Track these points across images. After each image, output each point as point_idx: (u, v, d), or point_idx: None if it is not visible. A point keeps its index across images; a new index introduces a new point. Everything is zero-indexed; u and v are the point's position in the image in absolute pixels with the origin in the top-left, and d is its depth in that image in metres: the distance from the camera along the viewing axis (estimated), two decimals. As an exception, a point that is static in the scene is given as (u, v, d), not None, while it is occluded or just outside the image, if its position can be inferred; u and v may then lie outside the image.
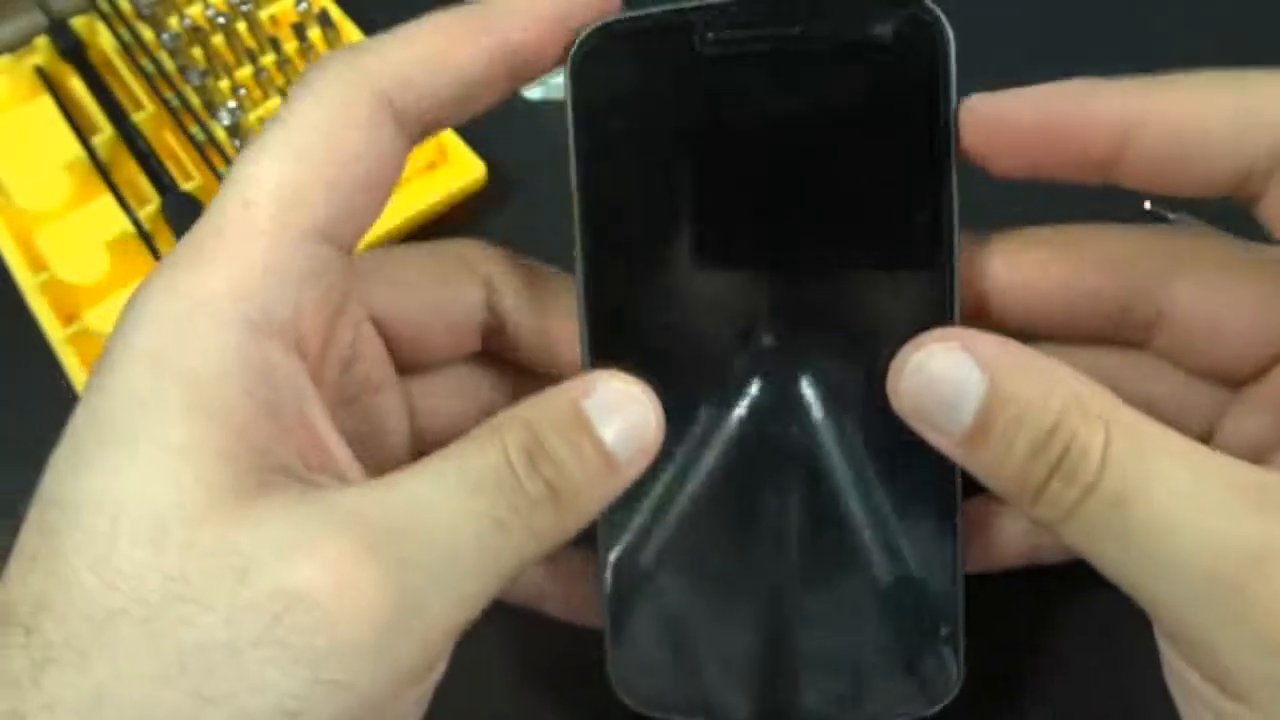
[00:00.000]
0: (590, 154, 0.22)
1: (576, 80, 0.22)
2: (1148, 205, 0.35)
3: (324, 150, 0.20)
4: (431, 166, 0.39)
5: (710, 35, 0.21)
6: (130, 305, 0.19)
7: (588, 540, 0.23)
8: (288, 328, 0.20)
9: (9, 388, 0.35)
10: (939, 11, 0.21)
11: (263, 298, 0.19)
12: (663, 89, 0.22)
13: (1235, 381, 0.23)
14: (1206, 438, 0.23)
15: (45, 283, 0.35)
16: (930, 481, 0.23)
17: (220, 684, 0.17)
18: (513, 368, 0.26)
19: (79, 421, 0.19)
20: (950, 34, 0.21)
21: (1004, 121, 0.21)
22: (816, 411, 0.23)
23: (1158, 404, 0.19)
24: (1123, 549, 0.19)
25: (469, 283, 0.25)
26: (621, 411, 0.21)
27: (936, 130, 0.21)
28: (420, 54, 0.21)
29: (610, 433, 0.20)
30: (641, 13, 0.22)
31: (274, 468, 0.19)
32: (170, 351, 0.19)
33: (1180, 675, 0.20)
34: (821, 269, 0.23)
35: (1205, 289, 0.22)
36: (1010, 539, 0.25)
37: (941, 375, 0.20)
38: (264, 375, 0.19)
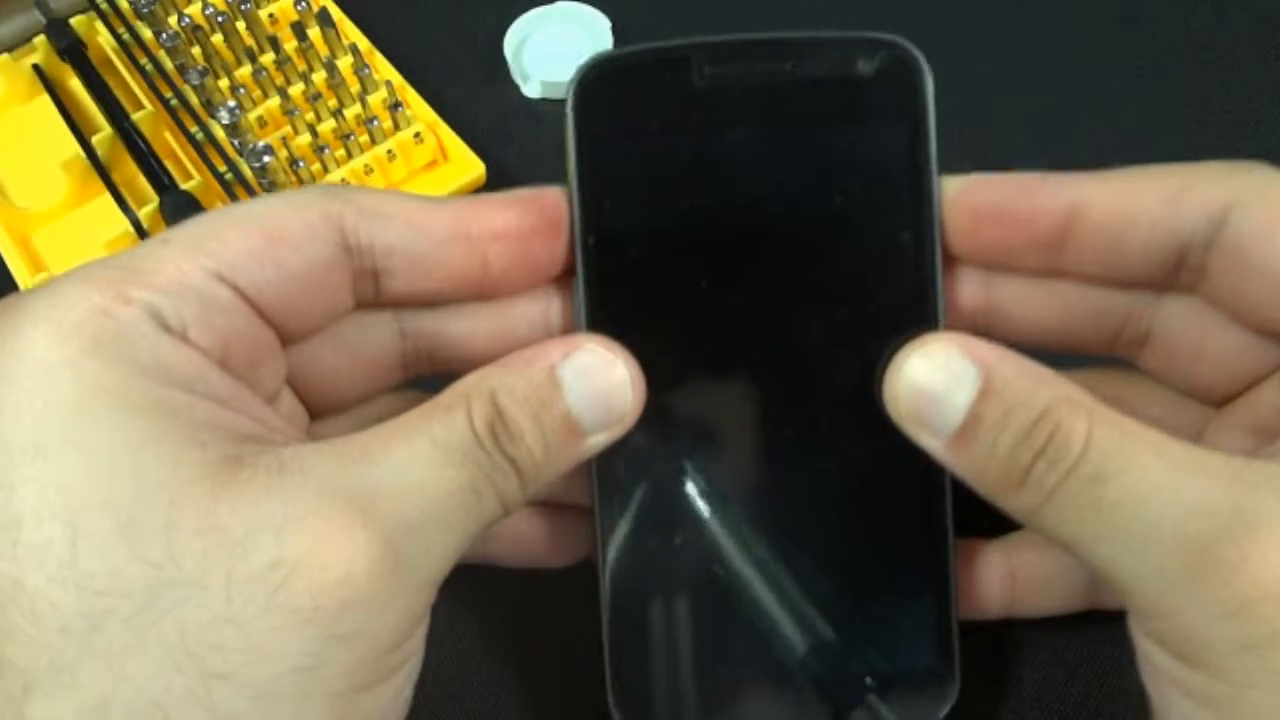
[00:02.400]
0: (591, 178, 0.23)
1: (577, 109, 0.23)
2: None
3: (258, 224, 0.21)
4: (432, 165, 0.39)
5: (706, 70, 0.23)
6: (18, 322, 0.19)
7: None
8: (189, 332, 0.20)
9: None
10: (915, 49, 0.23)
11: (161, 302, 0.20)
12: (661, 119, 0.23)
13: (1216, 400, 0.24)
14: None
15: (45, 283, 0.35)
16: (922, 498, 0.24)
17: (230, 658, 0.17)
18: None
19: None
20: (927, 68, 0.23)
21: (968, 208, 0.23)
22: (806, 432, 0.24)
23: (1145, 419, 0.20)
24: (1098, 523, 0.19)
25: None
26: (595, 378, 0.22)
27: (917, 154, 0.23)
28: (392, 207, 0.22)
29: (579, 400, 0.21)
30: (641, 47, 0.23)
31: (237, 439, 0.19)
32: (85, 357, 0.18)
33: (1149, 657, 0.21)
34: (811, 287, 0.23)
35: (1190, 311, 0.23)
36: (989, 590, 0.25)
37: (938, 373, 0.21)
38: (183, 364, 0.20)
